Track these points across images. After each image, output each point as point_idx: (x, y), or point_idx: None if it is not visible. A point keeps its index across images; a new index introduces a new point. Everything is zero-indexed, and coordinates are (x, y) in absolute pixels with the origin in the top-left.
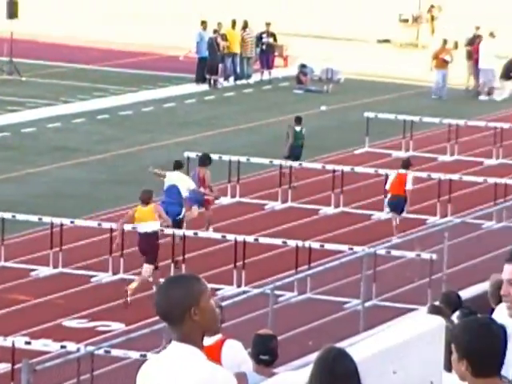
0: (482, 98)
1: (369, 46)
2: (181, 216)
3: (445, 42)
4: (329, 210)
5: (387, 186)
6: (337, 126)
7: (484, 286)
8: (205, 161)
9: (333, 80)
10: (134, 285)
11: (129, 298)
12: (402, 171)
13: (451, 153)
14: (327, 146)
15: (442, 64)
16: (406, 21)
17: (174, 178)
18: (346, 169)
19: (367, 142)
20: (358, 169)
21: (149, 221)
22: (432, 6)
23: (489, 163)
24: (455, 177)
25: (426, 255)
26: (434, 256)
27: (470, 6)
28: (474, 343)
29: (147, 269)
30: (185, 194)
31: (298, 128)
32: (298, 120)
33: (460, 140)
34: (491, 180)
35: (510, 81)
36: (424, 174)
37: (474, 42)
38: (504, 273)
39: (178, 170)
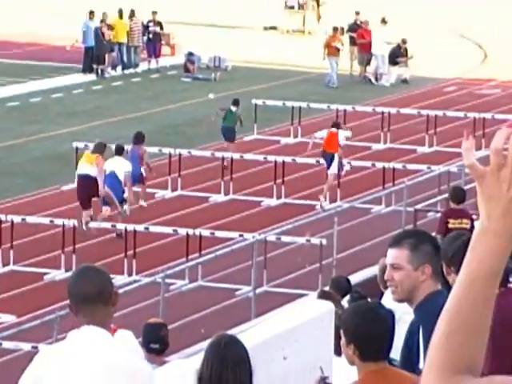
0: (373, 82)
1: (255, 33)
2: (124, 198)
3: (335, 29)
4: (219, 198)
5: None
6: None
7: (373, 271)
8: (139, 139)
9: (220, 68)
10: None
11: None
12: (333, 130)
13: None
14: (216, 134)
15: (335, 52)
16: (292, 7)
17: (114, 163)
18: (235, 156)
19: (256, 129)
20: (248, 156)
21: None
22: None
23: (377, 147)
24: (344, 162)
25: (315, 240)
26: (324, 241)
27: None
28: (360, 327)
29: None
30: (122, 177)
31: (233, 108)
32: (236, 102)
33: (348, 125)
34: (379, 164)
35: (396, 66)
36: (313, 160)
37: (354, 28)
38: (387, 257)
39: (120, 155)
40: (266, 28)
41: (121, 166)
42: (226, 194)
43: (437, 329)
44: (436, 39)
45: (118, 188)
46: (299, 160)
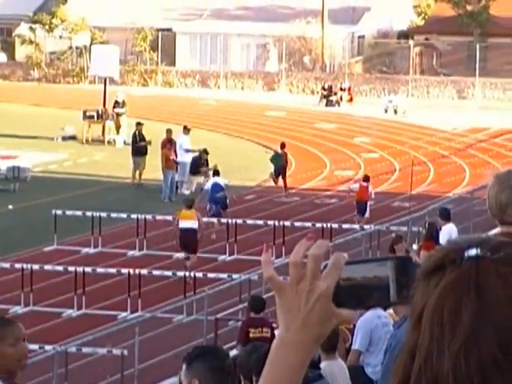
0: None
1: (54, 143)
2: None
3: (169, 131)
4: (19, 310)
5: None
6: (25, 224)
7: (174, 381)
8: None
9: (20, 178)
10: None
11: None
12: (364, 183)
13: (140, 247)
14: (15, 245)
15: (172, 165)
16: (92, 117)
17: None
18: (35, 267)
19: (56, 240)
20: (48, 267)
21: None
22: (116, 102)
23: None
24: (144, 271)
25: (117, 351)
26: (125, 352)
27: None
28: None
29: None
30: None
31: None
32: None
33: (150, 234)
34: (180, 273)
35: (197, 175)
36: (113, 270)
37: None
38: None
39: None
40: (64, 138)
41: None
42: (26, 305)
43: None
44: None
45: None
46: (99, 270)
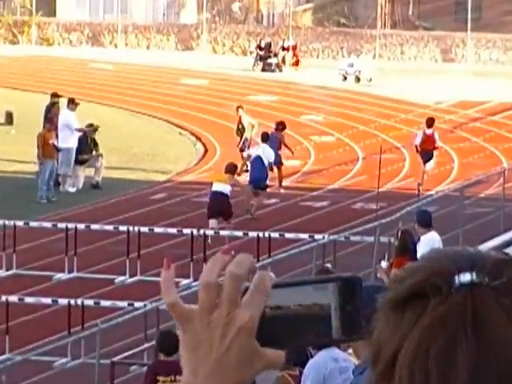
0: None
1: None
2: (267, 182)
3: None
4: None
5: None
6: None
7: None
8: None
9: None
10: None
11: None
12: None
13: (7, 266)
14: None
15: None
16: None
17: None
18: None
19: None
20: None
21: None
22: None
23: (60, 277)
24: (14, 298)
25: None
26: None
27: None
28: None
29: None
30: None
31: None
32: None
33: (19, 248)
34: (63, 301)
35: (83, 165)
36: None
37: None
38: None
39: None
40: None
41: (266, 154)
42: None
43: None
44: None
45: (264, 173)
46: None
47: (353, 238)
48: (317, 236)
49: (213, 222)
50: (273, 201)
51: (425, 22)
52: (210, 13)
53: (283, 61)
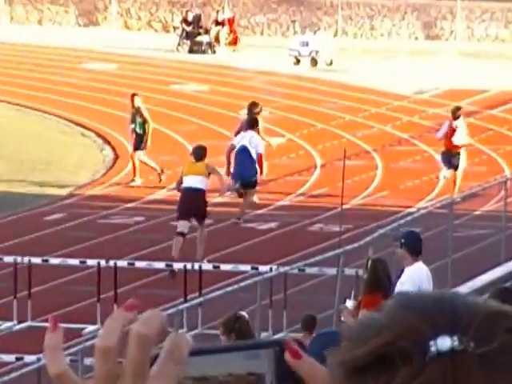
0: None
1: None
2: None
3: None
4: None
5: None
6: None
7: None
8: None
9: None
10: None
11: None
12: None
13: None
14: None
15: None
16: None
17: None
18: None
19: None
20: None
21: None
22: None
23: None
24: None
25: None
26: None
27: None
28: None
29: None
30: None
31: None
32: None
33: None
34: None
35: None
36: None
37: None
38: None
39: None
40: None
41: (253, 144)
42: None
43: None
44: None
45: (251, 167)
46: None
47: (309, 270)
48: (262, 268)
49: (183, 225)
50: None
51: None
52: None
53: (217, 39)
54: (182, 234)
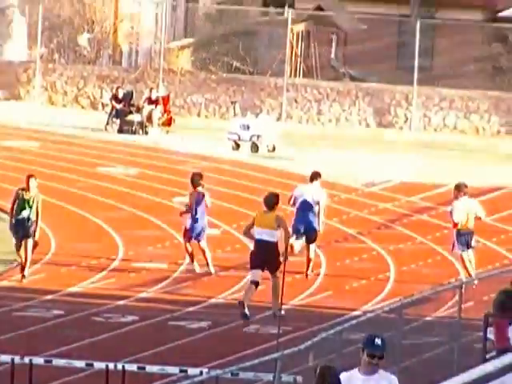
0: None
1: None
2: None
3: None
4: None
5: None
6: None
7: None
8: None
9: None
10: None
11: None
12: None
13: None
14: None
15: None
16: None
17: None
18: None
19: None
20: None
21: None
22: None
23: None
24: None
25: None
26: None
27: None
28: None
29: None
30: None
31: None
32: None
33: None
34: None
35: None
36: None
37: None
38: None
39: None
40: None
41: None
42: None
43: None
44: None
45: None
46: None
47: (243, 375)
48: (191, 370)
49: (256, 274)
50: (129, 319)
51: (353, 70)
52: (46, 47)
53: (149, 119)
54: (256, 283)
